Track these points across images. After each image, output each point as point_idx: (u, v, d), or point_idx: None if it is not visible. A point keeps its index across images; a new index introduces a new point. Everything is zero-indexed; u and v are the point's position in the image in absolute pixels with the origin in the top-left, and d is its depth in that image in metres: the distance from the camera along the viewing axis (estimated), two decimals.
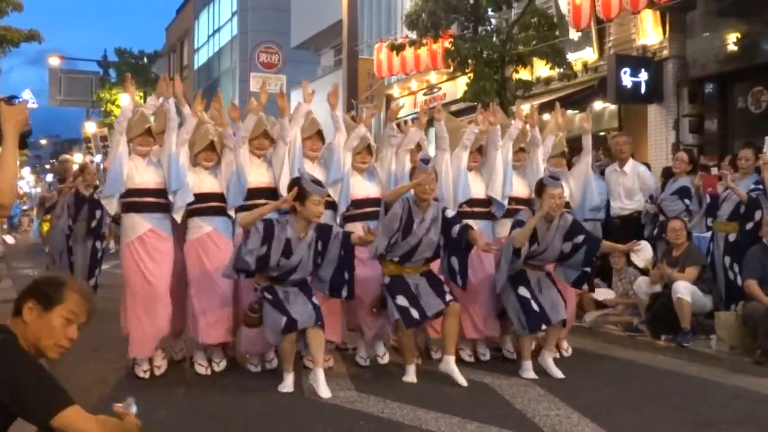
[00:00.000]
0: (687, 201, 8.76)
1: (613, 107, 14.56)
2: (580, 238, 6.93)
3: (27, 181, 63.85)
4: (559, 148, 7.98)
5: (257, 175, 7.01)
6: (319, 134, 7.25)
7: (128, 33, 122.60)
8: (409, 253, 6.67)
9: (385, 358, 7.25)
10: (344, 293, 6.59)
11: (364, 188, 7.29)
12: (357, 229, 6.90)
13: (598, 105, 13.93)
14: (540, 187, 6.94)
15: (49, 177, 35.98)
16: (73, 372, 6.77)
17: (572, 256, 6.99)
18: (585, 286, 7.57)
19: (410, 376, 6.61)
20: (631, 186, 9.52)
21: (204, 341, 6.86)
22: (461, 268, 6.79)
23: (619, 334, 8.61)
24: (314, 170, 6.98)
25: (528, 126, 7.77)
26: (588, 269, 7.12)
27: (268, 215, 6.36)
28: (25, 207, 42.09)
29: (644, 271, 8.69)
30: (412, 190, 6.70)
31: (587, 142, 8.02)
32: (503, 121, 7.89)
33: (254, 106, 7.03)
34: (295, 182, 6.40)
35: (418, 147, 7.62)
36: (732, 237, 8.25)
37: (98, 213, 10.86)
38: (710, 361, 7.43)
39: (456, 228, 6.66)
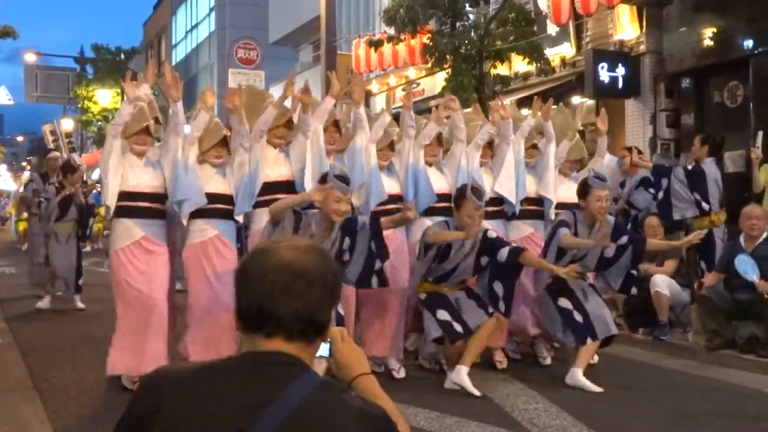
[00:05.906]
0: (652, 190, 8.76)
1: (590, 102, 14.61)
2: (624, 239, 6.44)
3: (4, 179, 63.15)
4: (578, 154, 7.57)
5: (276, 169, 6.49)
6: (336, 125, 6.84)
7: (105, 29, 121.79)
8: (444, 276, 6.36)
9: (401, 373, 6.64)
10: (374, 283, 6.14)
11: (384, 185, 6.89)
12: None
13: (575, 100, 13.97)
14: (584, 189, 6.42)
15: (26, 174, 35.65)
16: (50, 371, 6.73)
17: (617, 260, 6.49)
18: (634, 290, 6.91)
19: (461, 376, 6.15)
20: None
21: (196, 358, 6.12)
22: (506, 294, 6.37)
23: None
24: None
25: (542, 119, 7.37)
26: (635, 272, 6.65)
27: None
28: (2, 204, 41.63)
29: None
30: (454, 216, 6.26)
31: (603, 144, 7.61)
32: (514, 116, 7.60)
33: (275, 100, 6.59)
34: (324, 176, 5.93)
35: (438, 141, 7.22)
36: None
37: (91, 220, 11.16)
38: (687, 354, 7.50)
39: (504, 252, 6.23)
